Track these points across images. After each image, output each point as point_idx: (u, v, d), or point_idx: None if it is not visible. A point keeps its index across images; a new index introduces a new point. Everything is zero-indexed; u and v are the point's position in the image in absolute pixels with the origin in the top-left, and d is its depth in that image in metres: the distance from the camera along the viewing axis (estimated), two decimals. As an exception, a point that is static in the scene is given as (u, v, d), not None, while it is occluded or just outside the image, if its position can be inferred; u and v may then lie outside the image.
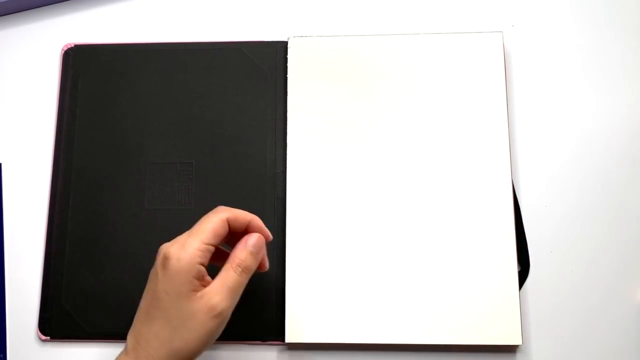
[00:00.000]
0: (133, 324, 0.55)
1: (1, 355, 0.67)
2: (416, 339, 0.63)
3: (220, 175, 0.69)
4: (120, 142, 0.70)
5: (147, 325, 0.53)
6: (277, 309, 0.65)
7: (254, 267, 0.56)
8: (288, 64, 0.70)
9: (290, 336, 0.64)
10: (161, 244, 0.59)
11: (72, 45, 0.73)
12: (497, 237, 0.64)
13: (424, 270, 0.64)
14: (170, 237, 0.67)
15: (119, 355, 0.55)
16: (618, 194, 0.68)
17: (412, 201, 0.66)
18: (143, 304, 0.54)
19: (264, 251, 0.57)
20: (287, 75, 0.70)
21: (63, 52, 0.73)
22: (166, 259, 0.53)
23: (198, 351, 0.53)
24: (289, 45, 0.70)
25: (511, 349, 0.64)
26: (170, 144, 0.70)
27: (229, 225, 0.56)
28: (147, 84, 0.72)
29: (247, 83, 0.71)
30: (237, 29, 0.74)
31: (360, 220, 0.66)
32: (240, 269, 0.54)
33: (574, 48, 0.72)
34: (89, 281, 0.67)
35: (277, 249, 0.66)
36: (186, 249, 0.53)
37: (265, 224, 0.58)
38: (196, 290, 0.53)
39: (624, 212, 0.67)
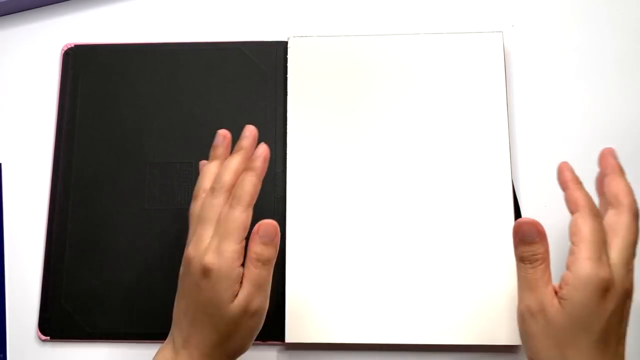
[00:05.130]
0: (177, 324, 0.54)
1: (1, 355, 0.67)
2: (416, 339, 0.63)
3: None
4: (120, 142, 0.70)
5: (196, 329, 0.52)
6: (277, 309, 0.65)
7: (272, 255, 0.53)
8: (288, 64, 0.70)
9: (290, 336, 0.64)
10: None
11: (72, 45, 0.73)
12: (497, 237, 0.64)
13: (424, 270, 0.64)
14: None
15: (163, 350, 0.54)
16: (618, 194, 0.68)
17: (412, 201, 0.66)
18: (186, 309, 0.53)
19: (277, 237, 0.53)
20: (287, 75, 0.70)
21: (63, 52, 0.73)
22: (207, 270, 0.51)
23: (248, 345, 0.54)
24: (289, 45, 0.70)
25: (511, 349, 0.64)
26: (170, 144, 0.70)
27: None
28: (147, 84, 0.72)
29: (247, 83, 0.71)
30: (237, 29, 0.74)
31: (361, 220, 0.66)
32: (259, 263, 0.52)
33: (574, 48, 0.72)
34: (89, 281, 0.67)
35: (277, 249, 0.66)
36: (224, 256, 0.51)
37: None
38: (235, 295, 0.52)
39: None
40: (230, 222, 0.52)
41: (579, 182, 0.53)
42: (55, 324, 0.67)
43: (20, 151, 0.72)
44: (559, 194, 0.68)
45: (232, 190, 0.53)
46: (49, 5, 0.76)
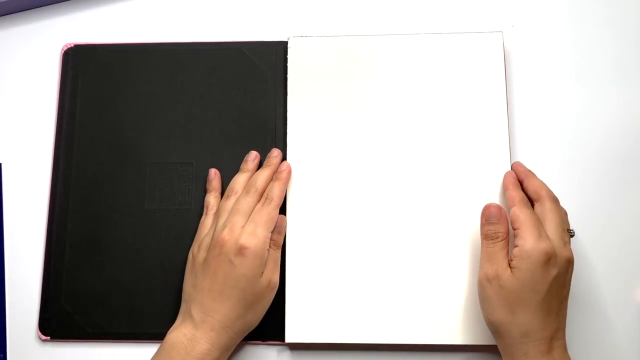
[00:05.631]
0: (196, 302, 0.62)
1: (1, 355, 0.67)
2: (416, 339, 0.63)
3: (220, 176, 0.69)
4: (120, 142, 0.70)
5: (221, 303, 0.61)
6: (277, 309, 0.65)
7: (282, 241, 0.65)
8: (288, 64, 0.70)
9: (290, 336, 0.64)
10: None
11: (72, 45, 0.73)
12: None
13: (424, 270, 0.64)
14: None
15: (180, 327, 0.61)
16: (617, 193, 0.68)
17: (412, 201, 0.66)
18: (212, 286, 0.61)
19: (286, 227, 0.66)
20: (287, 75, 0.70)
21: (63, 52, 0.73)
22: (244, 248, 0.61)
23: (260, 319, 0.64)
24: (289, 45, 0.70)
25: (511, 349, 0.64)
26: (170, 144, 0.70)
27: None
28: (147, 84, 0.72)
29: (247, 83, 0.71)
30: (237, 29, 0.74)
31: (361, 221, 0.66)
32: (276, 247, 0.64)
33: (574, 48, 0.72)
34: (89, 281, 0.67)
35: (277, 249, 0.66)
36: (259, 238, 0.62)
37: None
38: (262, 271, 0.62)
39: (623, 212, 0.67)
40: (264, 214, 0.64)
41: (517, 185, 0.64)
42: (55, 324, 0.67)
43: (20, 151, 0.72)
44: (559, 194, 0.68)
45: (262, 194, 0.65)
46: (49, 5, 0.76)
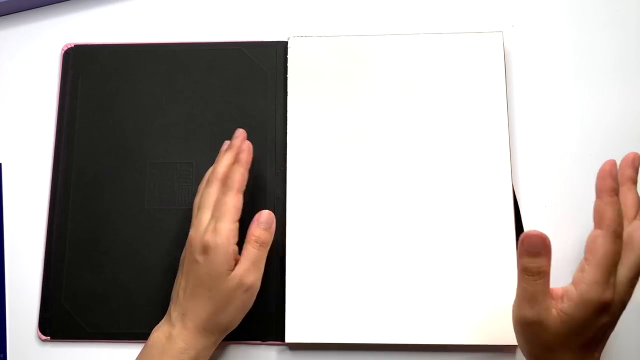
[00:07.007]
0: (176, 302, 0.61)
1: (1, 355, 0.67)
2: (416, 339, 0.63)
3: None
4: (120, 142, 0.70)
5: (193, 302, 0.59)
6: (277, 309, 0.65)
7: (269, 240, 0.61)
8: (288, 64, 0.70)
9: (290, 336, 0.64)
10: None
11: (72, 45, 0.73)
12: (497, 237, 0.64)
13: (424, 270, 0.64)
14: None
15: (161, 326, 0.61)
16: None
17: (412, 201, 0.66)
18: (186, 284, 0.60)
19: (274, 225, 0.62)
20: (287, 75, 0.70)
21: (63, 52, 0.73)
22: (206, 247, 0.59)
23: (238, 320, 0.61)
24: (289, 45, 0.70)
25: (511, 349, 0.64)
26: (170, 144, 0.70)
27: None
28: (147, 84, 0.72)
29: (247, 83, 0.71)
30: (237, 29, 0.74)
31: (361, 221, 0.66)
32: (257, 244, 0.60)
33: (574, 48, 0.72)
34: (89, 281, 0.67)
35: (277, 249, 0.66)
36: (221, 234, 0.59)
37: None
38: (231, 269, 0.59)
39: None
40: (223, 205, 0.60)
41: (614, 194, 0.52)
42: (55, 324, 0.67)
43: (20, 151, 0.72)
44: (559, 194, 0.68)
45: (224, 180, 0.62)
46: (49, 5, 0.76)
